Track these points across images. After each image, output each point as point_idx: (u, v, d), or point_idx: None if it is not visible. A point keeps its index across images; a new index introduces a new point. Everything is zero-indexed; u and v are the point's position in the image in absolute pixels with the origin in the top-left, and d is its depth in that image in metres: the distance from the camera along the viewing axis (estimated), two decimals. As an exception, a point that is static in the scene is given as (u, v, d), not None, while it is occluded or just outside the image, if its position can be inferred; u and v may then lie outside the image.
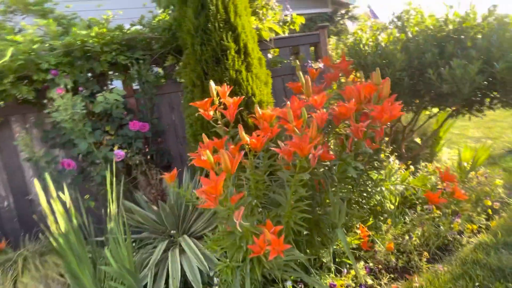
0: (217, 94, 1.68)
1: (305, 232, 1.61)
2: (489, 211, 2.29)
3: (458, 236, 2.07)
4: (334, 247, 1.88)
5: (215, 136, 2.19)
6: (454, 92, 1.89)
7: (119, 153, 2.28)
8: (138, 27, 2.57)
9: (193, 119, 2.34)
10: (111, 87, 2.67)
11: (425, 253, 1.86)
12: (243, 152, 1.23)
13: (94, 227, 1.97)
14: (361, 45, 2.24)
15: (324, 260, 1.81)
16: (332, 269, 1.75)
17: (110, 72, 2.61)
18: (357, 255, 1.95)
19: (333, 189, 1.50)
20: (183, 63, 2.44)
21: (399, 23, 2.23)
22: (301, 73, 1.48)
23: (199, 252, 1.84)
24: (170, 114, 2.93)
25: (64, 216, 1.65)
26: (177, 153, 2.96)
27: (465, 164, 2.75)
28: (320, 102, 1.35)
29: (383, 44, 2.10)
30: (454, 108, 2.26)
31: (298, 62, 2.48)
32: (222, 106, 1.66)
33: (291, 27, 3.43)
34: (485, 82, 1.84)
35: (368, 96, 1.36)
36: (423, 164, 2.87)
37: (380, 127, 1.30)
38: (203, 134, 1.51)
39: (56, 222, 1.62)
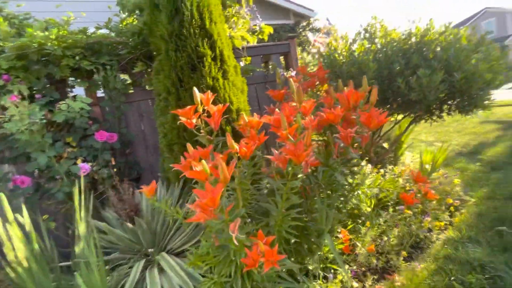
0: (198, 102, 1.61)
1: (293, 240, 1.60)
2: (452, 208, 2.49)
3: (428, 233, 2.21)
4: (318, 253, 1.88)
5: (193, 145, 2.10)
6: (421, 99, 2.04)
7: (84, 167, 2.07)
8: (104, 31, 2.40)
9: (168, 128, 2.23)
10: (71, 94, 2.44)
11: (403, 253, 1.95)
12: (235, 161, 1.18)
13: (58, 251, 1.75)
14: (336, 55, 2.33)
15: (310, 267, 1.81)
16: (320, 276, 1.75)
17: (72, 79, 2.39)
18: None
19: (322, 195, 1.51)
20: (155, 70, 2.32)
21: (367, 35, 2.37)
22: (292, 82, 1.47)
23: (180, 270, 1.72)
24: (139, 123, 2.76)
25: (23, 241, 1.44)
26: (147, 165, 2.79)
27: (427, 166, 2.98)
28: (309, 109, 1.36)
29: (356, 54, 2.21)
30: (417, 114, 2.44)
31: (278, 70, 2.49)
32: (205, 114, 1.59)
33: (260, 36, 3.47)
34: (446, 90, 2.02)
35: (355, 103, 1.41)
36: (389, 167, 3.05)
37: (367, 133, 1.35)
38: (188, 144, 1.43)
39: (14, 249, 1.40)
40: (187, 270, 1.72)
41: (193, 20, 2.16)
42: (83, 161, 2.19)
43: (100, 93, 2.55)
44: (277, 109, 1.52)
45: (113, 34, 2.39)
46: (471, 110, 2.13)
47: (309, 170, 1.56)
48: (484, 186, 2.89)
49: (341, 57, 2.30)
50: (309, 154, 1.14)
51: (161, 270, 1.75)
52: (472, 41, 2.14)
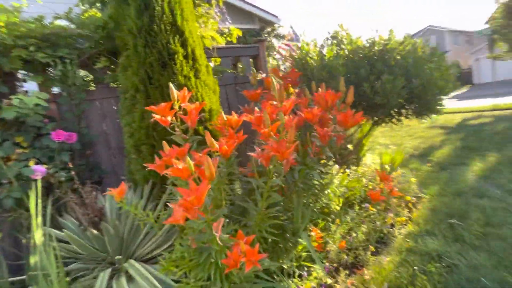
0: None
1: (269, 239, 1.60)
2: (410, 204, 2.69)
3: (391, 229, 2.36)
4: (293, 251, 1.90)
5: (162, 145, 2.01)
6: (384, 103, 2.19)
7: (39, 169, 1.87)
8: (64, 22, 2.21)
9: (135, 128, 2.10)
10: (22, 89, 2.20)
11: (371, 247, 2.05)
12: (217, 159, 1.15)
13: (7, 264, 1.55)
14: (308, 58, 2.41)
15: (285, 266, 1.82)
16: (296, 274, 1.77)
17: (23, 72, 2.15)
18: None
19: (298, 194, 1.53)
20: (122, 66, 2.19)
21: (334, 41, 2.49)
22: (274, 82, 1.48)
23: (151, 276, 1.62)
24: (101, 123, 2.57)
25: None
26: (110, 167, 2.61)
27: (386, 166, 3.19)
28: (289, 108, 1.38)
29: (326, 58, 2.31)
30: (379, 118, 2.61)
31: (254, 71, 2.50)
32: (181, 112, 1.53)
33: (228, 38, 3.47)
34: (406, 95, 2.19)
35: (332, 103, 1.46)
36: (353, 168, 3.21)
37: (343, 133, 1.40)
38: (164, 142, 1.36)
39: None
40: (158, 277, 1.63)
41: (164, 15, 2.08)
42: (37, 163, 1.97)
43: (55, 90, 2.34)
44: (256, 108, 1.51)
45: (73, 26, 2.20)
46: (426, 115, 2.34)
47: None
48: (435, 184, 3.18)
49: (312, 61, 2.38)
50: (292, 152, 1.15)
51: (130, 279, 1.64)
52: (425, 52, 2.36)
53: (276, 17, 8.03)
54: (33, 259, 1.40)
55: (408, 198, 2.69)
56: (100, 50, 2.31)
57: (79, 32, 2.15)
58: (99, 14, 2.42)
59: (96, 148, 2.52)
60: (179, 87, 2.10)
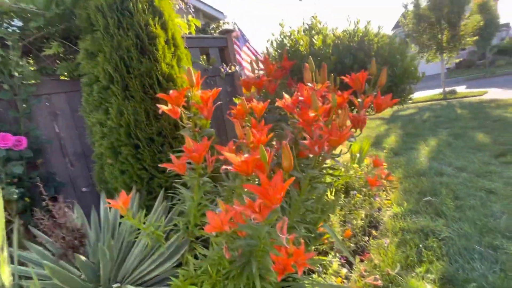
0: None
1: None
2: (387, 188, 2.86)
3: (378, 212, 2.47)
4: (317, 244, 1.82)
5: (147, 144, 1.75)
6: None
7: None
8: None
9: (111, 126, 1.75)
10: None
11: (373, 232, 2.09)
12: (273, 151, 0.98)
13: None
14: (299, 46, 2.34)
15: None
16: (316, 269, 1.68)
17: None
18: (321, 249, 1.97)
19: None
20: (84, 52, 1.79)
21: (313, 32, 2.49)
22: (307, 67, 1.33)
23: (161, 301, 1.35)
24: (51, 124, 2.09)
25: None
26: (67, 177, 2.14)
27: (357, 154, 3.35)
28: (321, 92, 1.27)
29: (316, 47, 2.28)
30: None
31: (235, 65, 2.30)
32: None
33: (186, 31, 3.21)
34: (388, 83, 2.31)
35: (361, 86, 1.41)
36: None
37: (364, 116, 1.37)
38: (186, 136, 1.12)
39: None
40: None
41: (140, -8, 1.77)
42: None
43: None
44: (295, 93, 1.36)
45: (13, -1, 1.71)
46: (402, 102, 2.51)
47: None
48: (398, 168, 3.47)
49: (302, 48, 2.33)
50: (348, 136, 1.06)
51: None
52: (397, 43, 2.53)
53: (222, 13, 7.84)
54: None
55: (385, 182, 2.86)
56: (51, 32, 1.86)
57: (24, 8, 1.68)
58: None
59: (48, 156, 2.04)
60: (162, 77, 1.83)
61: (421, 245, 1.91)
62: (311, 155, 1.14)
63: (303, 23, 2.60)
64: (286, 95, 1.24)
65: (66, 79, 2.12)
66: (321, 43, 2.27)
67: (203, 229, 1.29)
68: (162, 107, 1.23)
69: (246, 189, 1.06)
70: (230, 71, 3.01)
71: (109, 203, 1.15)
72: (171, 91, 1.24)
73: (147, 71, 1.78)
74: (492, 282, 1.53)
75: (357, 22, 2.35)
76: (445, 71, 11.91)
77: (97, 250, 1.40)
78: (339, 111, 1.15)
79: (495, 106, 6.47)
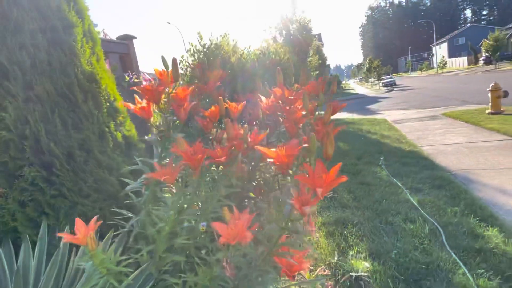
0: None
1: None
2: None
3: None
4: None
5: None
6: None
7: None
8: None
9: (5, 139, 1.22)
10: None
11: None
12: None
13: None
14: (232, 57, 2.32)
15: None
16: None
17: None
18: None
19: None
20: None
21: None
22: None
23: None
24: None
25: None
26: None
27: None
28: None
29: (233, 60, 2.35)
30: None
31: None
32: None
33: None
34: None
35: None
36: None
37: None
38: (179, 138, 0.94)
39: None
40: None
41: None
42: None
43: None
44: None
45: None
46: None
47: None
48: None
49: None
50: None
51: None
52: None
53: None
54: None
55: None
56: None
57: None
58: None
59: None
60: (83, 75, 1.47)
61: (345, 232, 2.23)
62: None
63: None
64: (263, 97, 1.25)
65: None
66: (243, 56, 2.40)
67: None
68: (129, 106, 0.98)
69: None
70: (136, 80, 2.68)
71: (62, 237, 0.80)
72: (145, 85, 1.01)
73: (62, 67, 1.37)
74: (400, 247, 1.97)
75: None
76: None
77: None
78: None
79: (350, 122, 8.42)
